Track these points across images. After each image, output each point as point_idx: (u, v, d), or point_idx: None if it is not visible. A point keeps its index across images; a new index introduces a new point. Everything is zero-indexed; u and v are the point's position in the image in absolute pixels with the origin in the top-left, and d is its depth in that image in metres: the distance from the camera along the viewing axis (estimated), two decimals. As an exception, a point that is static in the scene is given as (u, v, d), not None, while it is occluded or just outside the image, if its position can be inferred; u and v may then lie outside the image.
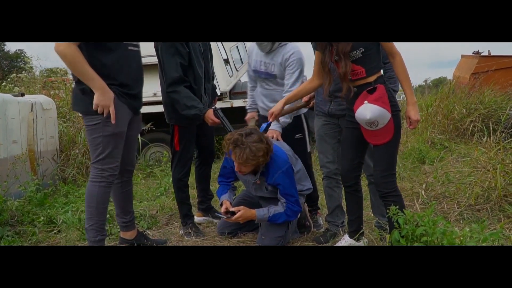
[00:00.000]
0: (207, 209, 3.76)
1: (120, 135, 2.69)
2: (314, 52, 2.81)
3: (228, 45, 6.60)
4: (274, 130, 3.16)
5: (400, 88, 2.83)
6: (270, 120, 2.92)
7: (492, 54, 8.68)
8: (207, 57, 3.40)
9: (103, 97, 2.50)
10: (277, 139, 3.13)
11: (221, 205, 3.12)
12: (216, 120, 3.16)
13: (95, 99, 2.49)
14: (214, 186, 4.51)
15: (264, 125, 2.93)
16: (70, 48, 2.38)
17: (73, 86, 2.68)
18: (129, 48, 2.69)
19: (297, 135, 3.37)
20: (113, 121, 2.57)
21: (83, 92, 2.57)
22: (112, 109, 2.55)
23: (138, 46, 2.81)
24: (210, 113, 3.15)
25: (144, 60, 2.95)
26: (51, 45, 2.38)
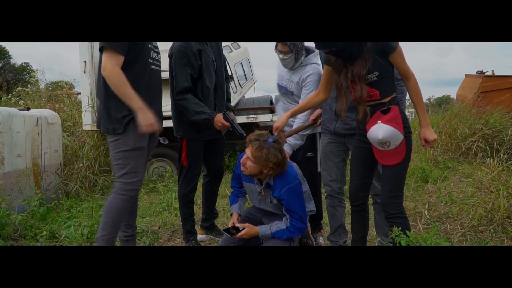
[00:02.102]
0: (210, 227, 3.75)
1: (141, 149, 2.77)
2: (323, 66, 2.82)
3: (233, 61, 6.65)
4: (284, 151, 3.15)
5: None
6: (275, 133, 2.92)
7: (496, 74, 8.71)
8: (222, 74, 3.45)
9: (144, 116, 2.61)
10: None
11: (231, 215, 3.12)
12: (226, 123, 3.19)
13: (139, 121, 2.62)
14: (217, 203, 4.50)
15: (270, 139, 2.93)
16: (115, 70, 2.55)
17: (98, 104, 2.81)
18: (151, 66, 2.79)
19: (308, 153, 3.37)
20: (157, 134, 2.80)
21: (108, 112, 2.70)
22: (158, 126, 2.73)
23: (159, 66, 2.90)
24: (219, 117, 3.19)
25: None
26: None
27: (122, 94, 2.59)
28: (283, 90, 3.37)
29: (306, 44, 3.28)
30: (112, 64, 2.55)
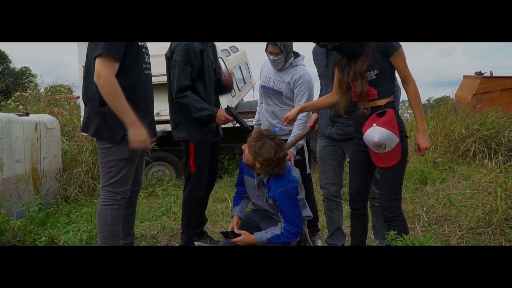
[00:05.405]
0: (200, 233, 3.70)
1: (134, 159, 2.70)
2: (332, 68, 2.85)
3: (231, 65, 6.65)
4: (289, 152, 3.14)
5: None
6: (285, 124, 2.92)
7: (494, 75, 8.72)
8: (219, 80, 3.45)
9: (137, 132, 2.51)
10: (290, 162, 3.12)
11: (233, 217, 3.13)
12: (229, 117, 3.18)
13: (131, 137, 2.50)
14: (216, 207, 4.51)
15: (276, 129, 2.92)
16: (110, 80, 2.42)
17: (87, 108, 2.65)
18: (145, 71, 2.71)
19: (296, 157, 3.38)
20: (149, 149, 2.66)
21: (103, 118, 2.57)
22: (150, 143, 2.60)
23: (150, 69, 2.82)
24: (222, 111, 3.18)
25: None
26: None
27: (115, 106, 2.46)
28: (270, 91, 3.39)
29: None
30: (108, 72, 2.42)
